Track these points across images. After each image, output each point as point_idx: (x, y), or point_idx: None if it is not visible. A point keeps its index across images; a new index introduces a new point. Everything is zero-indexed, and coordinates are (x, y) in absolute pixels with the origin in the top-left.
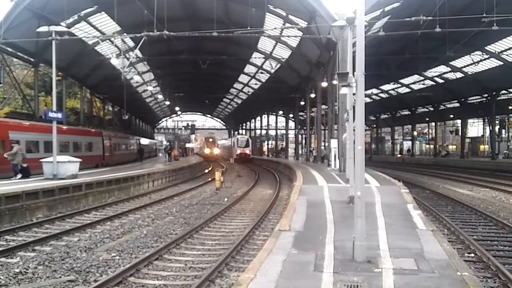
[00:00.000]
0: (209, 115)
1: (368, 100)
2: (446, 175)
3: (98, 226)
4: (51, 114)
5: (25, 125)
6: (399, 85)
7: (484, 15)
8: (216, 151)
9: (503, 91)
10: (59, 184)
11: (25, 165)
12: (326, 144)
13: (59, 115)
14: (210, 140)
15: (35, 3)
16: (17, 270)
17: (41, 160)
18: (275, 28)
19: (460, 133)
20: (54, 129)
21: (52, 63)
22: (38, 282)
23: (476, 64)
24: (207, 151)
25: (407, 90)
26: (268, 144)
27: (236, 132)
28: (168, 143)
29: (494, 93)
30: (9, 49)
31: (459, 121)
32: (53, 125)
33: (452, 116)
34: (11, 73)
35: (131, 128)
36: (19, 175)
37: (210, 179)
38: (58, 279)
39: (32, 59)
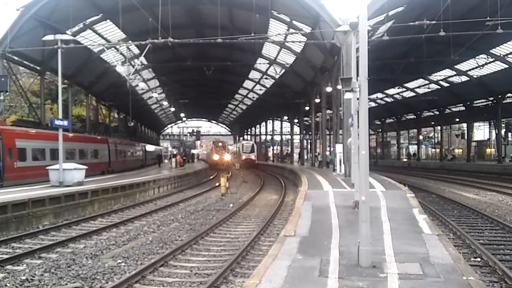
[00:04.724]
0: (214, 121)
1: (373, 104)
2: (452, 179)
3: (104, 233)
4: (57, 122)
5: (32, 133)
6: (404, 89)
7: (488, 18)
8: (227, 157)
9: (509, 94)
10: (65, 191)
11: None
12: (331, 149)
13: (65, 123)
14: (220, 145)
15: (41, 12)
16: (24, 278)
17: (48, 167)
18: (279, 34)
19: (466, 137)
20: (60, 136)
21: (58, 71)
22: None
23: (481, 67)
24: (216, 157)
25: (412, 94)
26: (273, 150)
27: (241, 138)
28: (181, 150)
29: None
30: (16, 58)
31: (465, 125)
32: (59, 133)
33: (457, 119)
34: (17, 82)
35: (136, 135)
36: None
37: (216, 185)
38: (64, 286)
39: (38, 67)
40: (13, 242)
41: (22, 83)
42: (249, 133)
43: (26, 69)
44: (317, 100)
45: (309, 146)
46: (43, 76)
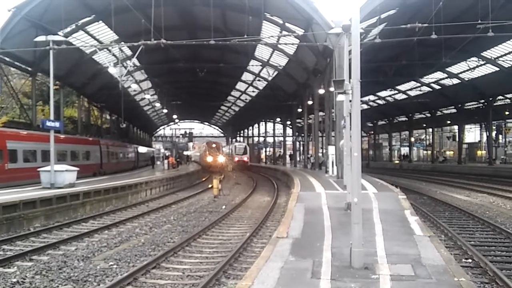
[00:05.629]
0: (206, 123)
1: (365, 106)
2: (443, 181)
3: (95, 235)
4: (48, 123)
5: (23, 134)
6: (396, 91)
7: (480, 21)
8: (221, 159)
9: (500, 97)
10: (57, 193)
11: None
12: (324, 151)
13: (57, 124)
14: (214, 146)
15: (33, 12)
16: (14, 280)
17: (39, 169)
18: (272, 36)
19: (457, 139)
20: (52, 138)
21: (49, 72)
22: None
23: (472, 70)
24: (209, 159)
25: (404, 96)
26: (266, 151)
27: (233, 140)
28: (175, 152)
29: (490, 98)
30: (7, 59)
31: (456, 127)
32: (51, 134)
33: (449, 122)
34: (8, 83)
35: (128, 137)
36: None
37: (208, 186)
38: None
39: (29, 69)
40: (4, 244)
41: (13, 84)
42: (241, 135)
43: (18, 70)
44: (310, 102)
45: (301, 148)
46: (34, 77)
